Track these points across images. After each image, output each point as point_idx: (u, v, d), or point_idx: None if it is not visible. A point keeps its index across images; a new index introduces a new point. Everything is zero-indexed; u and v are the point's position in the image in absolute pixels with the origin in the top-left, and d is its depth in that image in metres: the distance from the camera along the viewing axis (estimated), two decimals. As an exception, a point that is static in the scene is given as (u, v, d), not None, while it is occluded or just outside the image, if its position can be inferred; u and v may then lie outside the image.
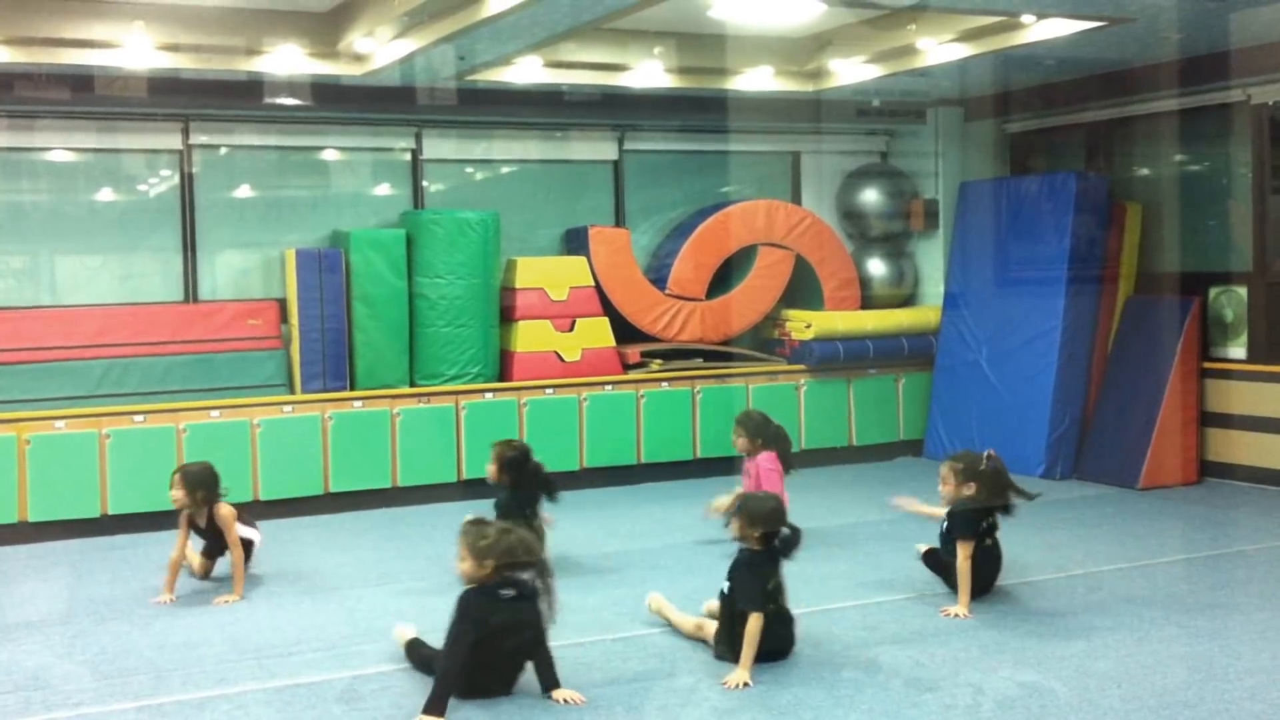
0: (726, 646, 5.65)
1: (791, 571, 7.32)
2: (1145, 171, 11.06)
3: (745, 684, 5.34)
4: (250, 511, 9.16)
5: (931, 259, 11.83)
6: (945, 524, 6.72)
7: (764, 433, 8.17)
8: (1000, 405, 10.74)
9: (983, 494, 6.60)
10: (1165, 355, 9.95)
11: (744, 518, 5.78)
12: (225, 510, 7.17)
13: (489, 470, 7.55)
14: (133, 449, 8.92)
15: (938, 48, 9.30)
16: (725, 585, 5.77)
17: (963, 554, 6.48)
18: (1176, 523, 8.59)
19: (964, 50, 9.19)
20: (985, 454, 6.73)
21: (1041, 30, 8.63)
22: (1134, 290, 10.71)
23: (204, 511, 7.19)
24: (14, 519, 8.61)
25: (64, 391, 9.07)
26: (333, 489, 9.52)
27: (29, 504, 8.65)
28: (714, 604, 5.99)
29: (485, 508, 8.02)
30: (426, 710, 4.94)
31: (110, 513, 8.84)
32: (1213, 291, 10.16)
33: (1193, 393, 9.95)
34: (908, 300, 11.89)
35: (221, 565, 7.45)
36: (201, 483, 7.16)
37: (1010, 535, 7.62)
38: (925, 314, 11.54)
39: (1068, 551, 7.73)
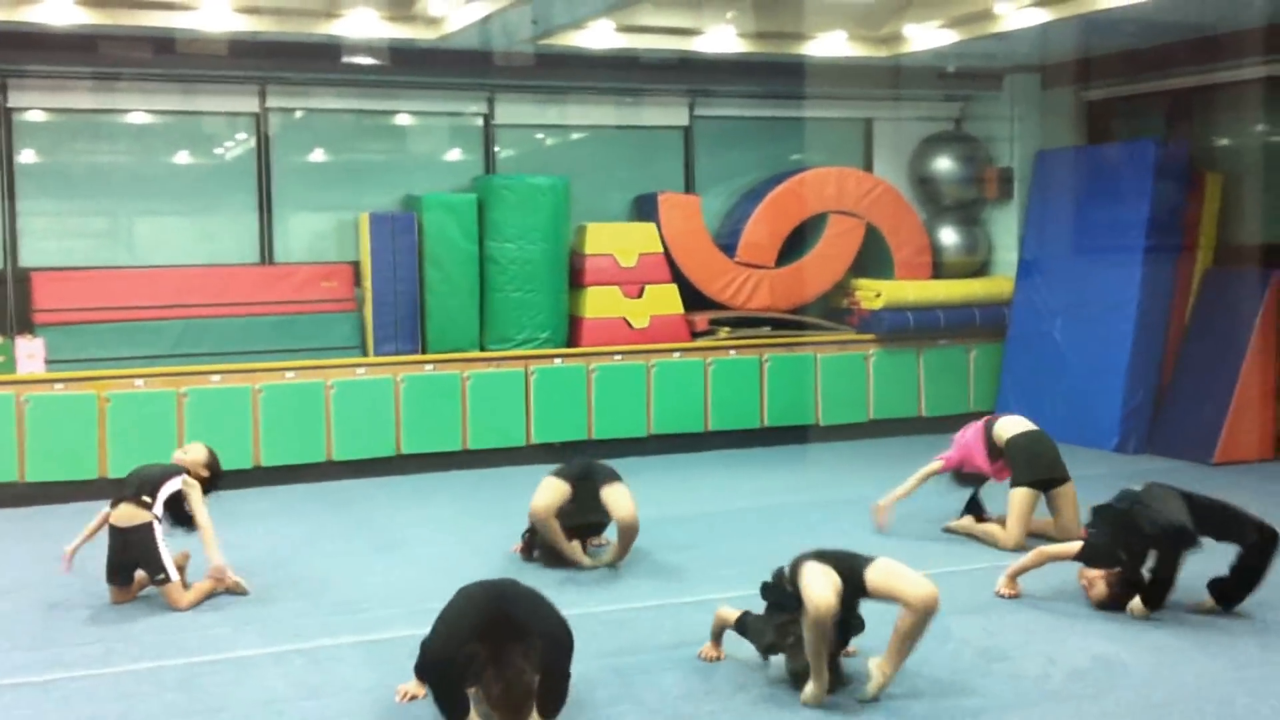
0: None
1: (858, 543, 7.32)
2: (1227, 141, 10.84)
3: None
4: (324, 472, 9.36)
5: (1005, 228, 11.69)
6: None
7: None
8: (1073, 377, 10.62)
9: None
10: (1244, 328, 9.78)
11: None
12: (194, 483, 6.49)
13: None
14: (210, 408, 9.07)
15: (1015, 12, 9.16)
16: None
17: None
18: (1252, 498, 8.38)
19: (1043, 15, 9.04)
20: None
21: (1124, -5, 8.47)
22: (1213, 262, 10.52)
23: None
24: (94, 475, 8.79)
25: (142, 350, 9.24)
26: (404, 450, 9.62)
27: (108, 460, 8.83)
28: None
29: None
30: None
31: (187, 470, 8.99)
32: (1295, 263, 9.98)
33: (1271, 367, 9.78)
34: (980, 270, 11.76)
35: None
36: (217, 466, 6.71)
37: (1084, 508, 7.55)
38: (998, 284, 11.42)
39: (1141, 525, 7.64)
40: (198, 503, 6.38)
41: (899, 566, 4.88)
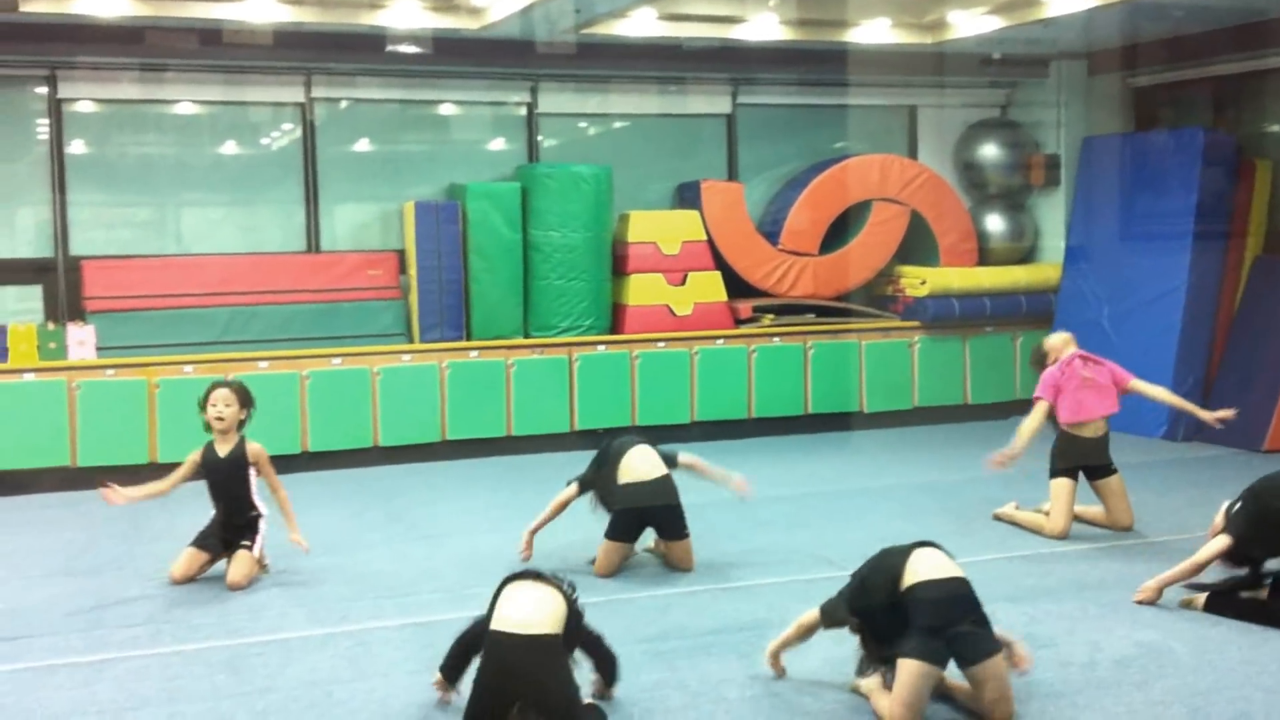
0: None
1: (899, 531, 7.31)
2: (1276, 128, 10.71)
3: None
4: (370, 458, 9.45)
5: (1052, 215, 11.61)
6: None
7: None
8: (1120, 363, 10.50)
9: None
10: (1294, 316, 9.68)
11: None
12: (258, 448, 6.55)
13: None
14: (258, 394, 8.95)
15: (1062, -2, 9.10)
16: None
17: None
18: (1302, 487, 8.35)
19: (1088, 0, 8.96)
20: None
21: (1172, -21, 8.39)
22: (1262, 249, 10.41)
23: (233, 440, 6.52)
24: (144, 460, 8.89)
25: (191, 338, 9.34)
26: (449, 436, 9.68)
27: (158, 445, 8.94)
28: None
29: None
30: None
31: (235, 456, 9.09)
32: (1346, 251, 9.85)
33: (1323, 355, 9.67)
34: (1026, 257, 11.68)
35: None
36: (251, 399, 6.60)
37: (1131, 496, 7.52)
38: (1044, 271, 11.34)
39: (1188, 514, 7.58)
40: (270, 472, 6.52)
41: (1002, 675, 4.52)
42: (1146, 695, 4.72)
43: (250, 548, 6.42)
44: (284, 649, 5.39)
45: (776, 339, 10.56)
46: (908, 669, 4.45)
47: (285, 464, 8.92)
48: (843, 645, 5.24)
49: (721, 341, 10.41)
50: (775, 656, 4.96)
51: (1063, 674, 4.94)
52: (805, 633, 4.92)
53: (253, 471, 6.51)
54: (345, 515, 7.95)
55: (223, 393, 6.52)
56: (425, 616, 5.79)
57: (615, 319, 10.35)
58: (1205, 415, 7.32)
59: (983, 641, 4.54)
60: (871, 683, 4.69)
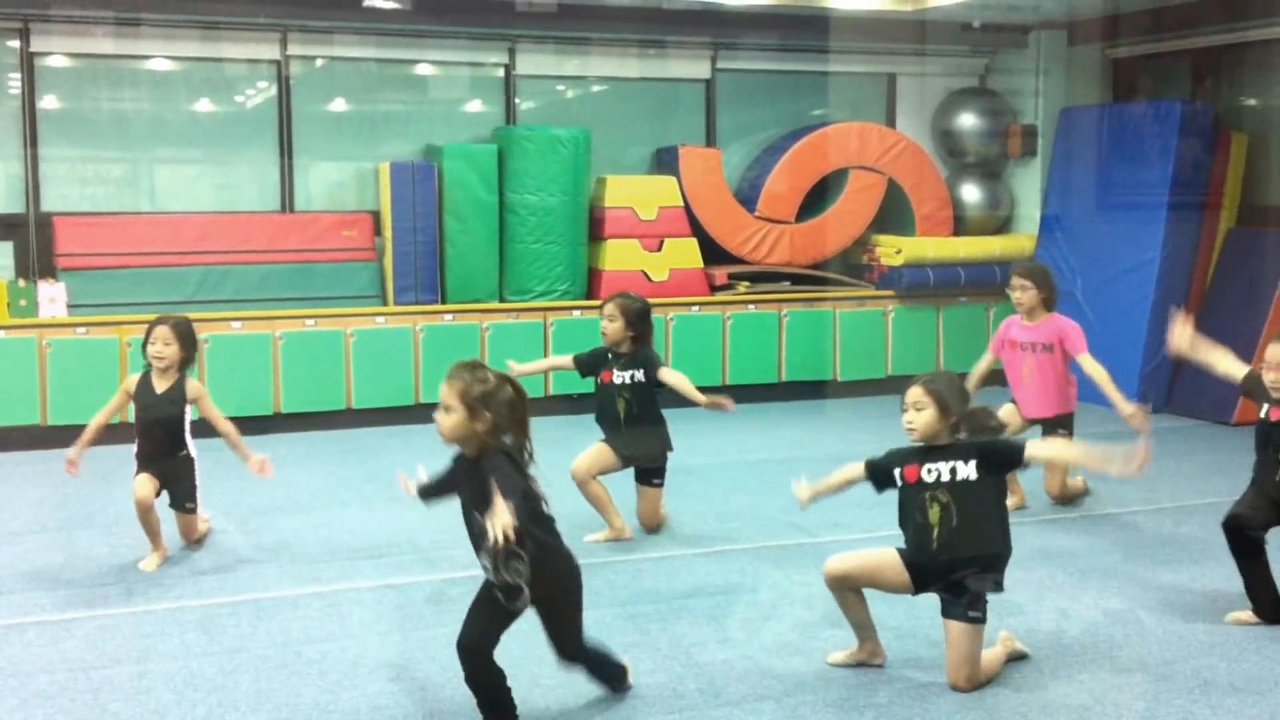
0: None
1: (871, 497, 7.35)
2: (1254, 101, 10.74)
3: None
4: (343, 420, 9.43)
5: (1028, 185, 11.63)
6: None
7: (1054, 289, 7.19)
8: (1094, 336, 10.44)
9: None
10: (1266, 289, 9.72)
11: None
12: (197, 385, 6.26)
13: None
14: (230, 354, 9.11)
15: (1043, -33, 9.08)
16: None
17: None
18: (1270, 459, 8.42)
19: (1070, -30, 8.96)
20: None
21: (1152, -50, 8.39)
22: (1237, 222, 10.46)
23: (173, 378, 6.16)
24: (115, 419, 8.81)
25: (163, 296, 9.26)
26: (423, 400, 9.64)
27: (129, 405, 8.87)
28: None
29: (573, 424, 8.15)
30: None
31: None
32: (1319, 225, 9.91)
33: (1293, 328, 9.75)
34: (1002, 227, 11.71)
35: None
36: (193, 340, 6.24)
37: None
38: (1019, 242, 11.37)
39: (1157, 484, 7.65)
40: (213, 410, 6.16)
41: (964, 644, 4.53)
42: (1113, 663, 4.77)
43: (194, 510, 6.22)
44: (255, 609, 5.39)
45: (752, 306, 10.56)
46: (955, 631, 4.55)
47: (257, 425, 8.95)
48: (813, 611, 5.29)
49: (697, 308, 10.40)
50: (809, 494, 5.00)
51: (1030, 640, 4.98)
52: (845, 484, 5.05)
53: (188, 410, 6.18)
54: (318, 476, 7.93)
55: (162, 330, 6.14)
56: (398, 578, 5.80)
57: (591, 284, 10.33)
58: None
59: (955, 603, 4.58)
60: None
